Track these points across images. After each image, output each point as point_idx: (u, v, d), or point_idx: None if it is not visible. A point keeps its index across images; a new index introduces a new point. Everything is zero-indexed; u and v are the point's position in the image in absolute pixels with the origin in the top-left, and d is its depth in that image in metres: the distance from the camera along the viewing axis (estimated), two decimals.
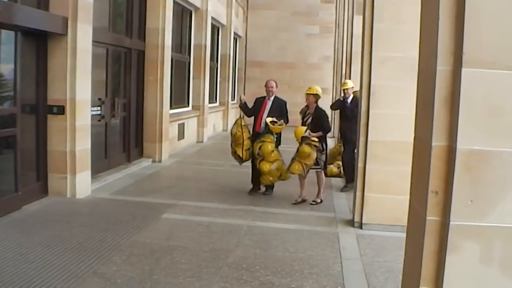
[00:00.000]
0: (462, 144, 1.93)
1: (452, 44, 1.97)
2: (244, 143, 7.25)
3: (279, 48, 20.01)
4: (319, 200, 7.01)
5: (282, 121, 7.10)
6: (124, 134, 9.22)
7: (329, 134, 7.49)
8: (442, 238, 2.01)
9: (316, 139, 6.75)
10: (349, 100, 8.01)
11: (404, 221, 2.43)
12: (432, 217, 2.03)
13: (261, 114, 7.32)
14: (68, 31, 6.31)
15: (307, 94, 7.09)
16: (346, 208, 6.79)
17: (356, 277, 4.39)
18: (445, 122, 1.99)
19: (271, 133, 7.17)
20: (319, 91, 7.05)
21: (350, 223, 5.99)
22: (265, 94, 7.46)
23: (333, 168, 8.70)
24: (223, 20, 16.61)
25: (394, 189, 5.33)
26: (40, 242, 4.81)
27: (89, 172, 6.93)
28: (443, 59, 1.99)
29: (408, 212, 2.38)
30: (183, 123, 12.27)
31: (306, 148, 6.69)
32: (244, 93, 9.63)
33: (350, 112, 7.72)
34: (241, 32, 20.09)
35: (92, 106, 7.20)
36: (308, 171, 6.82)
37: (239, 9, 19.42)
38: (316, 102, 7.01)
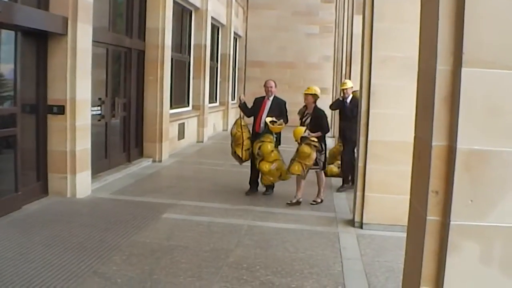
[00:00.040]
0: (462, 144, 1.94)
1: (452, 44, 1.97)
2: (244, 143, 7.24)
3: (279, 48, 20.00)
4: (319, 200, 7.01)
5: (281, 121, 7.09)
6: (124, 134, 9.22)
7: (328, 134, 7.49)
8: (442, 238, 2.01)
9: (316, 139, 6.75)
10: (348, 100, 8.00)
11: (405, 221, 2.43)
12: (432, 217, 2.03)
13: (261, 114, 7.31)
14: (68, 31, 6.31)
15: (305, 94, 7.09)
16: (346, 208, 6.79)
17: (357, 277, 4.39)
18: (445, 122, 1.99)
19: (271, 133, 7.16)
20: (318, 91, 7.05)
21: (351, 223, 5.99)
22: (264, 94, 7.46)
23: (333, 168, 8.68)
24: (223, 20, 16.61)
25: (394, 189, 5.34)
26: (40, 242, 4.81)
27: (89, 172, 6.93)
28: (443, 59, 1.99)
29: (409, 212, 2.38)
30: (183, 123, 12.27)
31: (305, 149, 6.69)
32: (244, 93, 9.64)
33: (350, 112, 7.71)
34: (241, 32, 20.08)
35: (92, 106, 7.20)
36: (307, 171, 6.82)
37: (239, 9, 19.41)
38: (315, 102, 7.00)
